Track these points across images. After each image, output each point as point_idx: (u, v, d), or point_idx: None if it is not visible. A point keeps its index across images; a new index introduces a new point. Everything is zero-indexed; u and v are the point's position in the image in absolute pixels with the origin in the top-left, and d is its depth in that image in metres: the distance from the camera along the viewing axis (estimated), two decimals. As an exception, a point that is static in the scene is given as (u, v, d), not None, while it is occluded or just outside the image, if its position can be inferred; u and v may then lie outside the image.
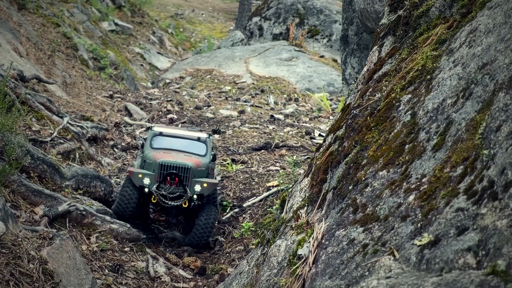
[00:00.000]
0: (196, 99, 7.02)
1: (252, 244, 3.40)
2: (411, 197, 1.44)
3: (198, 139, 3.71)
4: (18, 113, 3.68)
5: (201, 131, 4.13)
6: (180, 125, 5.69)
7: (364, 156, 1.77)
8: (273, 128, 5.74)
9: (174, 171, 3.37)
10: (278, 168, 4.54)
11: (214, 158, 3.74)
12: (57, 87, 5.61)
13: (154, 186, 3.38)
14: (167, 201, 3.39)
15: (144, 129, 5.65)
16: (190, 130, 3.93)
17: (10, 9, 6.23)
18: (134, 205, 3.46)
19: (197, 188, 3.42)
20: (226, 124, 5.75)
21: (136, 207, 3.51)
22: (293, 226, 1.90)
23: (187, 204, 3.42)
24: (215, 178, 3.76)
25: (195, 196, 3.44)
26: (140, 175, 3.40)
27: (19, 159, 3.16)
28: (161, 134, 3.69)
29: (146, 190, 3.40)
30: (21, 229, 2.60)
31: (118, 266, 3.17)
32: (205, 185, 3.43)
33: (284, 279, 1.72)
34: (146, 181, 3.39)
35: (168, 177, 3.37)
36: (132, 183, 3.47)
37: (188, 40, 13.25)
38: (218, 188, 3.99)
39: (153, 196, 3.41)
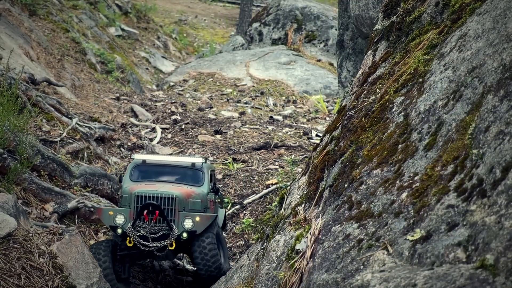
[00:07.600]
0: (198, 101, 7.12)
1: (252, 239, 3.45)
2: (404, 195, 1.48)
3: (193, 165, 2.85)
4: (29, 114, 3.76)
5: (205, 157, 3.06)
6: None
7: (359, 155, 1.81)
8: (272, 128, 5.82)
9: (153, 202, 2.52)
10: (277, 167, 4.62)
11: (215, 190, 2.90)
12: (66, 90, 5.70)
13: (129, 224, 2.55)
14: (147, 243, 2.55)
15: (149, 129, 5.75)
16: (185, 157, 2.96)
17: (21, 15, 6.35)
18: (109, 271, 2.63)
19: (187, 224, 2.59)
20: (228, 125, 5.82)
21: (115, 272, 2.70)
22: (291, 222, 1.94)
23: (174, 245, 2.58)
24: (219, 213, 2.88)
25: (184, 235, 2.59)
26: (110, 212, 2.62)
27: (30, 158, 3.24)
28: (144, 163, 2.88)
29: (120, 231, 2.60)
30: (32, 225, 2.67)
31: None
32: (197, 219, 2.59)
33: (282, 272, 1.76)
34: (119, 219, 2.59)
35: (146, 211, 2.51)
36: (99, 245, 2.69)
37: (191, 44, 13.38)
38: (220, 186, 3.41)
39: (128, 238, 2.56)
